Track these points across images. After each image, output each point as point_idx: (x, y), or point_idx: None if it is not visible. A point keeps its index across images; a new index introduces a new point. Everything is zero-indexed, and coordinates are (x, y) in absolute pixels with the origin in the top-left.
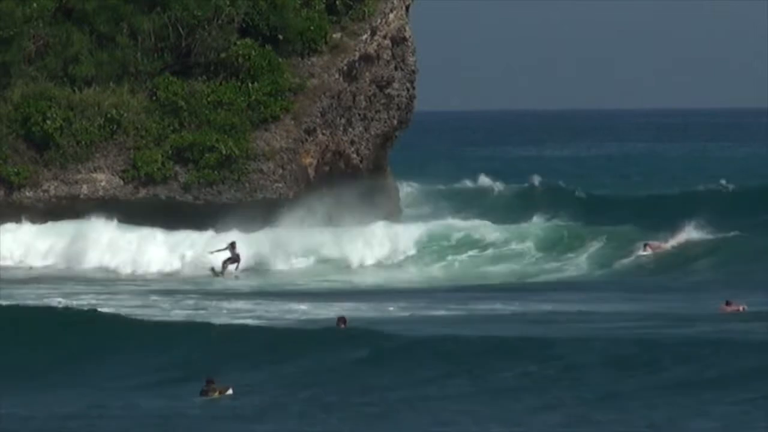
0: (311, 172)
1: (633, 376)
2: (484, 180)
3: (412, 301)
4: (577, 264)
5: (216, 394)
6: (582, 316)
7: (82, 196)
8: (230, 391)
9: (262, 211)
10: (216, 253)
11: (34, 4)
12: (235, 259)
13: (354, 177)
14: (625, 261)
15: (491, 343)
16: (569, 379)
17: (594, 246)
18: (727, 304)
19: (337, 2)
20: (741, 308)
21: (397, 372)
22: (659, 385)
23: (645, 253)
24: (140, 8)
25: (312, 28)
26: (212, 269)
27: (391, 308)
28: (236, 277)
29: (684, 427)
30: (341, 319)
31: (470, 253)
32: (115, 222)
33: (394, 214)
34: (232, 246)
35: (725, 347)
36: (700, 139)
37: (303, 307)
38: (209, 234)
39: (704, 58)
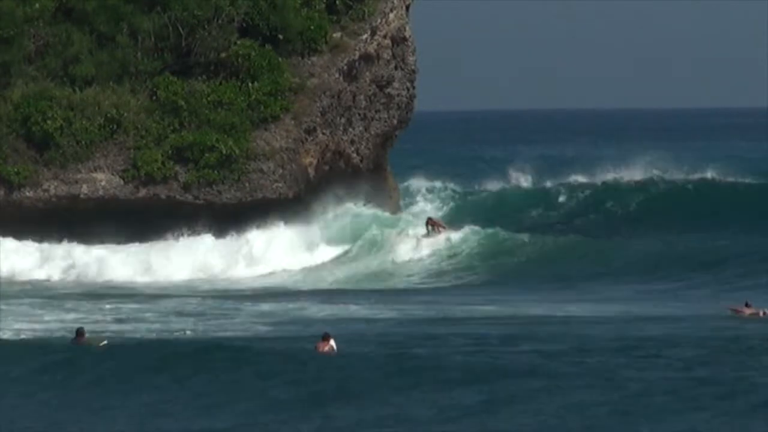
0: (311, 171)
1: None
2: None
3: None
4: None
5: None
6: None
7: (82, 196)
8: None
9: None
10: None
11: (36, 5)
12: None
13: (354, 177)
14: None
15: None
16: None
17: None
18: (747, 305)
19: (337, 2)
20: (761, 312)
21: None
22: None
23: (430, 233)
24: (140, 8)
25: (312, 27)
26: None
27: None
28: None
29: None
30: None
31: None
32: None
33: (394, 214)
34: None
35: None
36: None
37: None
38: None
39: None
